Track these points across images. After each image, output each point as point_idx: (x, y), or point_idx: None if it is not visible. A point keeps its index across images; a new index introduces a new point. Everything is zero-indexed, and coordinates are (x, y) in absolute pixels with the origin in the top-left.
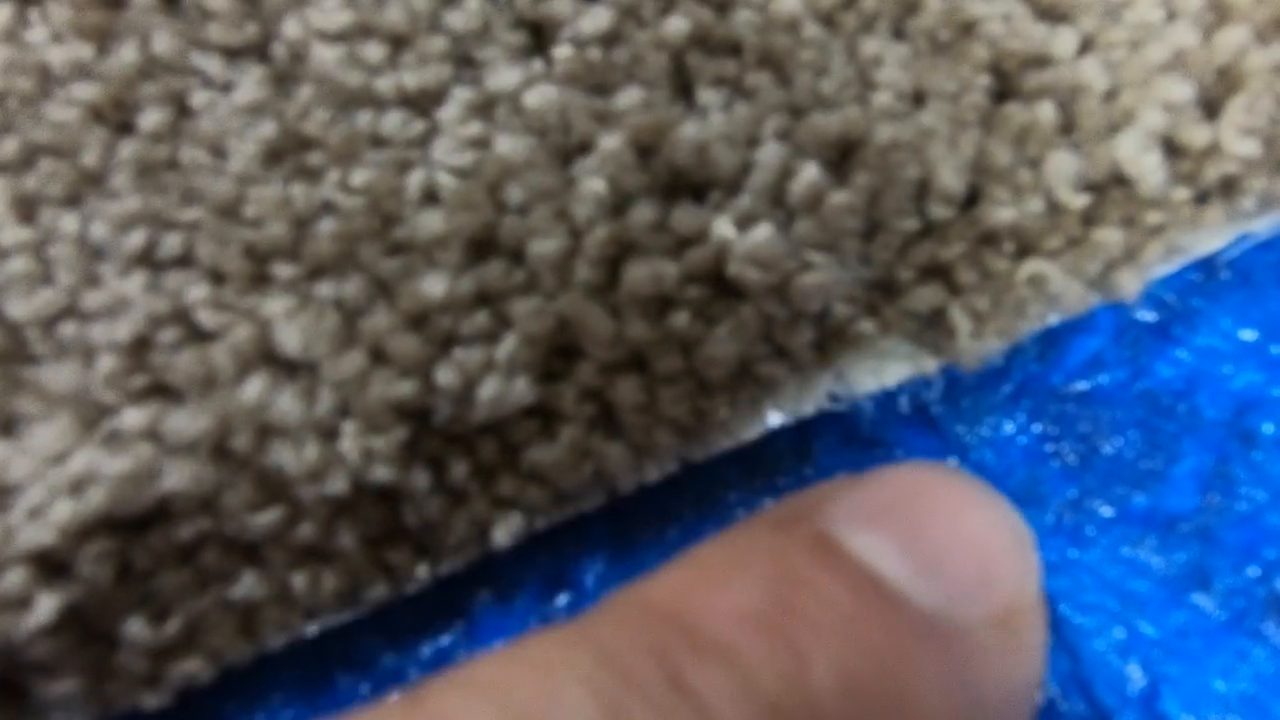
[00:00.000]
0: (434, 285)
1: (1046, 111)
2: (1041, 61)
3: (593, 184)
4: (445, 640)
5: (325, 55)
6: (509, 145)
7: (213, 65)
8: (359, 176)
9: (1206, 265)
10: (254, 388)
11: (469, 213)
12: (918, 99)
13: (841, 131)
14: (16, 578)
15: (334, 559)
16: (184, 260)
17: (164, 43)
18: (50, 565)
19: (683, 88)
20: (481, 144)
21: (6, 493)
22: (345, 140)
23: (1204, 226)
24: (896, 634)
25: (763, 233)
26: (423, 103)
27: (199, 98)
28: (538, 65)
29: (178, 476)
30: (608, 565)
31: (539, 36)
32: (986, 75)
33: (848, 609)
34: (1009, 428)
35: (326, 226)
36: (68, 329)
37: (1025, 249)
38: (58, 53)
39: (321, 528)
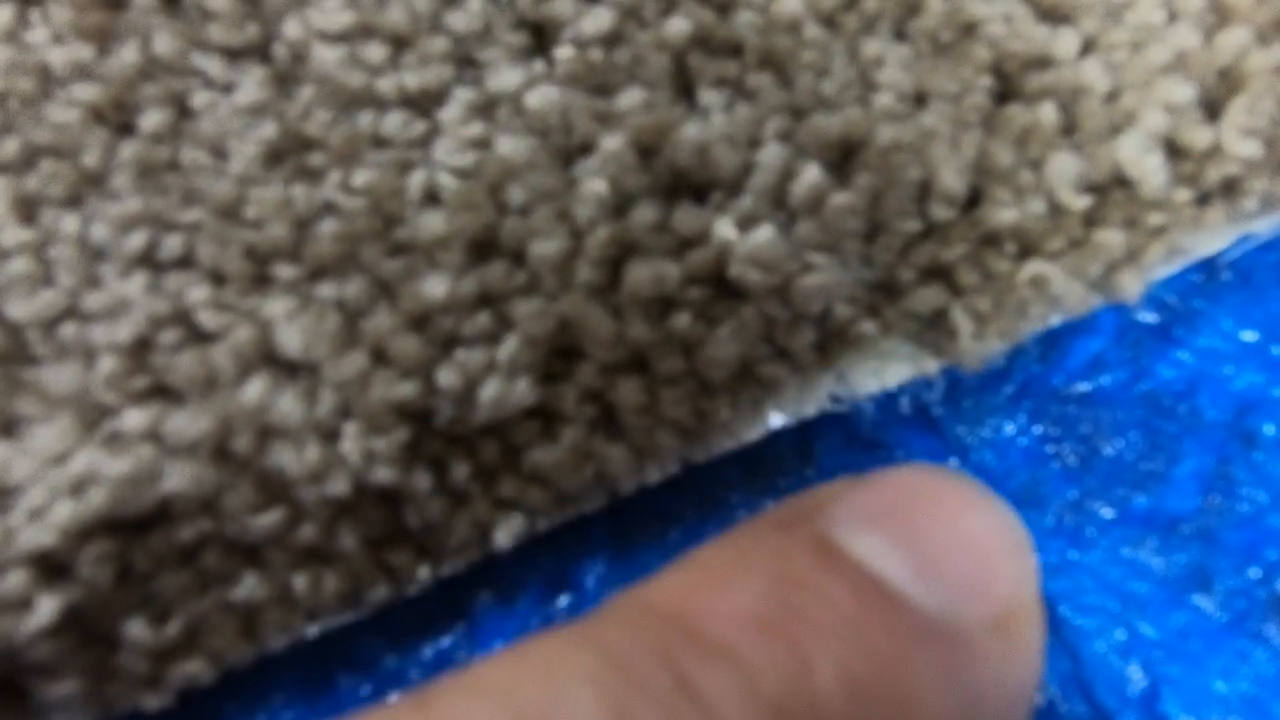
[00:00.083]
0: (435, 286)
1: (1048, 113)
2: (1043, 63)
3: (594, 185)
4: (446, 641)
5: (326, 56)
6: (510, 146)
7: (213, 66)
8: (360, 177)
9: (1208, 266)
10: (255, 389)
11: (470, 213)
12: (919, 100)
13: (843, 132)
14: (17, 579)
15: (335, 560)
16: (185, 261)
17: (165, 43)
18: (51, 566)
19: (684, 88)
20: (483, 145)
21: (7, 494)
22: (346, 141)
23: (1205, 228)
24: (898, 636)
25: (764, 234)
26: (424, 103)
27: (200, 98)
28: (539, 66)
29: (178, 478)
30: (609, 566)
31: (540, 37)
32: (988, 76)
33: (850, 611)
34: (1010, 429)
35: (327, 227)
36: (68, 330)
37: (1027, 250)
38: (58, 53)
39: (323, 529)
